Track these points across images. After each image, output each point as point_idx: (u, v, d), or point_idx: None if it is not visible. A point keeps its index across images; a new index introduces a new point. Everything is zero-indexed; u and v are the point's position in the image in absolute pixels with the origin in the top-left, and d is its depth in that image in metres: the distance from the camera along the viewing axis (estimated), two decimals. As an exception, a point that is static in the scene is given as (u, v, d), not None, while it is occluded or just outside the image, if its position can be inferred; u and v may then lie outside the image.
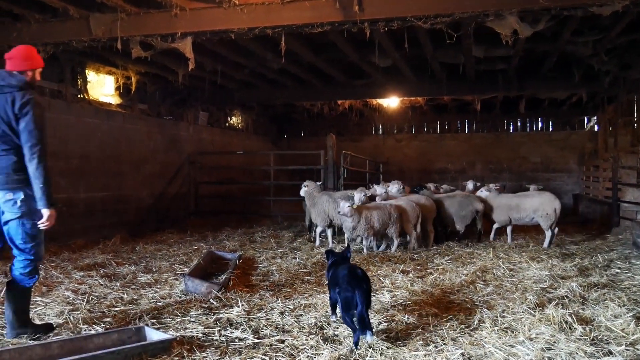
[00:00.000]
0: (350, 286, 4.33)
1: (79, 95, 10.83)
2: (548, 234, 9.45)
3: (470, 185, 12.11)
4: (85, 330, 4.75)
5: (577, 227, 12.45)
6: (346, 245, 9.19)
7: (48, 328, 4.77)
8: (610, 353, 4.13)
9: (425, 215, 9.43)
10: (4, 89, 4.42)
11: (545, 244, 9.37)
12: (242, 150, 17.02)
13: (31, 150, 4.36)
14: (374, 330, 4.40)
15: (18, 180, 4.43)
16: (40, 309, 5.41)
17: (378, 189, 10.22)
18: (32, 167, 4.37)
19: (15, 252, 4.61)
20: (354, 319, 4.27)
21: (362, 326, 4.22)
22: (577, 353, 4.08)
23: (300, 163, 15.10)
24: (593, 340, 4.40)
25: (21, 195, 4.44)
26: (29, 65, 4.60)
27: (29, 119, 4.38)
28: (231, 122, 17.66)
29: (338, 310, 4.72)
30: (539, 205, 9.60)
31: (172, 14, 7.23)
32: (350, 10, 6.63)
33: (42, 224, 4.48)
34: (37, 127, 4.40)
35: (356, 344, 4.17)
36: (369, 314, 4.51)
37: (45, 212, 4.45)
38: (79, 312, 5.23)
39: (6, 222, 4.53)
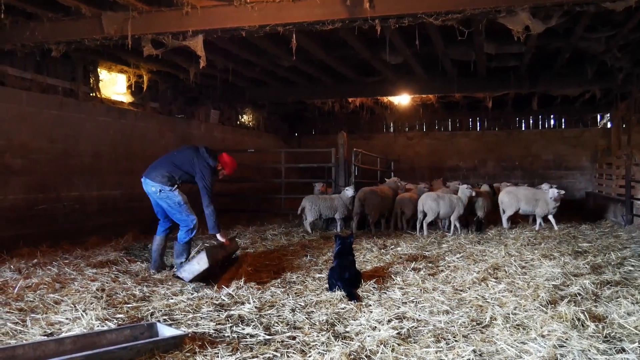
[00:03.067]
0: (335, 275, 6.09)
1: (91, 94, 10.91)
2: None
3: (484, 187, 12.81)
4: (98, 326, 4.78)
5: (585, 223, 12.34)
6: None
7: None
8: (623, 350, 4.11)
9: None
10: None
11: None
12: (254, 148, 17.04)
13: None
14: (357, 300, 5.60)
15: None
16: (54, 305, 5.46)
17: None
18: None
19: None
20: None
21: (348, 298, 5.61)
22: (589, 350, 4.05)
23: (312, 161, 15.08)
24: (606, 337, 4.37)
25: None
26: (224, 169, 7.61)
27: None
28: (242, 120, 17.70)
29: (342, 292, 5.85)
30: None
31: (183, 12, 7.26)
32: (361, 7, 6.61)
33: None
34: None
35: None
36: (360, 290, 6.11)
37: None
38: (92, 309, 5.26)
39: None
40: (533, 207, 11.28)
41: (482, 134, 19.23)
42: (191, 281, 6.22)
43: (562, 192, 11.23)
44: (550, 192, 11.06)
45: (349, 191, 11.05)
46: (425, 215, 10.71)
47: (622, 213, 11.92)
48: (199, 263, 6.16)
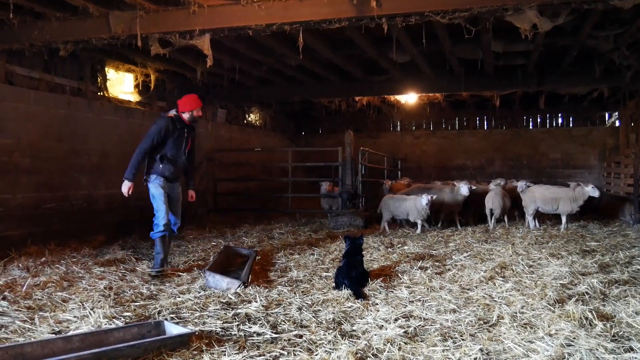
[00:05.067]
0: (342, 275, 6.08)
1: (98, 93, 10.95)
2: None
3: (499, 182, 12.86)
4: (106, 324, 4.80)
5: (593, 222, 12.25)
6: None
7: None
8: (631, 349, 4.09)
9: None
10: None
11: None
12: (260, 147, 17.07)
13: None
14: (364, 299, 5.59)
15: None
16: (62, 304, 5.49)
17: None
18: None
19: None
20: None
21: (355, 297, 5.62)
22: (597, 349, 4.04)
23: (318, 160, 15.09)
24: (614, 336, 4.35)
25: None
26: (188, 108, 7.11)
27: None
28: (249, 119, 17.72)
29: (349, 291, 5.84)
30: None
31: (190, 11, 7.27)
32: (368, 5, 6.61)
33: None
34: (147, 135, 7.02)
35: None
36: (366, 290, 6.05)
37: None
38: (99, 307, 5.28)
39: None
40: (553, 207, 11.02)
41: (490, 133, 19.18)
42: (207, 286, 6.20)
43: (597, 192, 10.77)
44: (590, 191, 10.54)
45: (424, 199, 10.71)
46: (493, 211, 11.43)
47: (631, 212, 11.86)
48: (228, 285, 6.06)
